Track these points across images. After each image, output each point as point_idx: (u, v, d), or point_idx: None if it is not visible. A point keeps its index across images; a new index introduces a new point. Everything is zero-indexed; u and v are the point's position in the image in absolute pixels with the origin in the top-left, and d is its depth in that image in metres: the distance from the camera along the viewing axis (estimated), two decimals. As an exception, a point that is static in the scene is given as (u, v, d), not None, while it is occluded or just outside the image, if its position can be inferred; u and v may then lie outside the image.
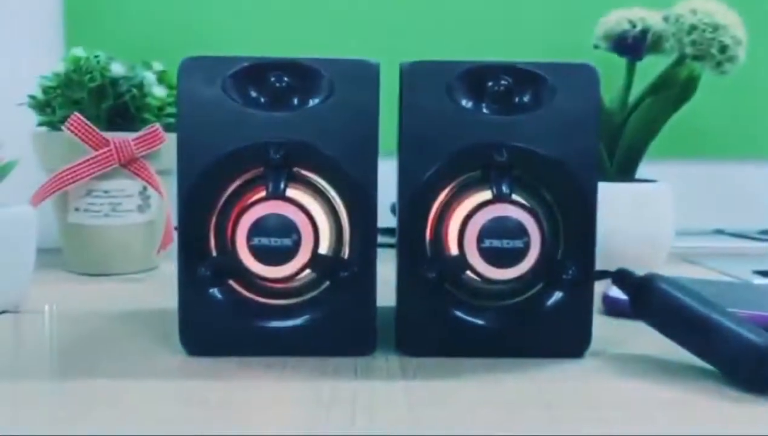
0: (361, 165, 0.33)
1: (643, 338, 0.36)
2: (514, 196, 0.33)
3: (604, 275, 0.37)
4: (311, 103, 0.33)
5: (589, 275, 0.34)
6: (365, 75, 0.33)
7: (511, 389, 0.31)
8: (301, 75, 0.33)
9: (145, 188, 0.52)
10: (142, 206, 0.52)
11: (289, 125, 0.33)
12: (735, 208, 0.73)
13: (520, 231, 0.32)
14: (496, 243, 0.32)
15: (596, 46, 0.58)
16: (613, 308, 0.44)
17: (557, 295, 0.34)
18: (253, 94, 0.34)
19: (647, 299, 0.34)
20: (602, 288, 0.46)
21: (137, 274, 0.53)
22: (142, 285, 0.51)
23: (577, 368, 0.33)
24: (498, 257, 0.32)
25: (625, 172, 0.58)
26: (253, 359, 0.33)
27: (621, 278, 0.37)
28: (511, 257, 0.32)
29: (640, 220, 0.54)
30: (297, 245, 0.32)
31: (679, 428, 0.27)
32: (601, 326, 0.41)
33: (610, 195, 0.54)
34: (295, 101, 0.33)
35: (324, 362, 0.33)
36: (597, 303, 0.44)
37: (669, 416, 0.28)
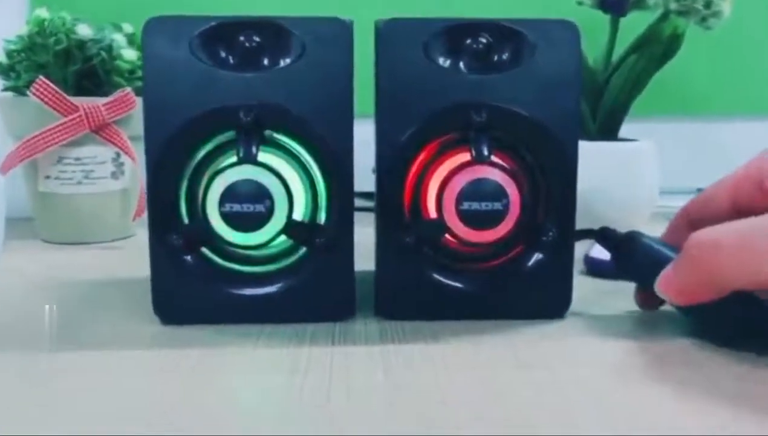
0: (335, 127, 0.32)
1: (625, 298, 0.36)
2: (493, 158, 0.32)
3: (586, 233, 0.37)
4: (282, 63, 0.32)
5: (569, 236, 0.34)
6: (338, 34, 0.32)
7: (489, 352, 0.30)
8: (272, 34, 0.32)
9: (118, 155, 0.51)
10: (115, 173, 0.51)
11: (260, 87, 0.32)
12: (720, 167, 0.73)
13: (500, 193, 0.32)
14: (475, 206, 0.32)
15: (579, 3, 0.56)
16: (594, 269, 0.43)
17: (537, 257, 0.34)
18: (222, 54, 0.32)
19: (629, 255, 0.34)
20: (584, 249, 0.46)
21: (113, 242, 0.52)
22: (118, 253, 0.50)
23: (557, 329, 0.33)
24: (477, 220, 0.32)
25: (609, 131, 0.57)
26: (229, 327, 0.33)
27: (604, 235, 0.36)
28: (491, 220, 0.32)
29: (623, 179, 0.54)
30: (270, 211, 0.31)
31: (657, 387, 0.27)
32: (582, 286, 0.40)
33: (592, 154, 0.53)
34: (266, 62, 0.32)
35: (302, 329, 0.32)
36: (578, 264, 0.45)
37: (649, 376, 0.28)
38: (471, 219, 0.32)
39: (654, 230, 0.44)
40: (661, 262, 0.31)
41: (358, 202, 0.34)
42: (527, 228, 0.33)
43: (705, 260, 0.28)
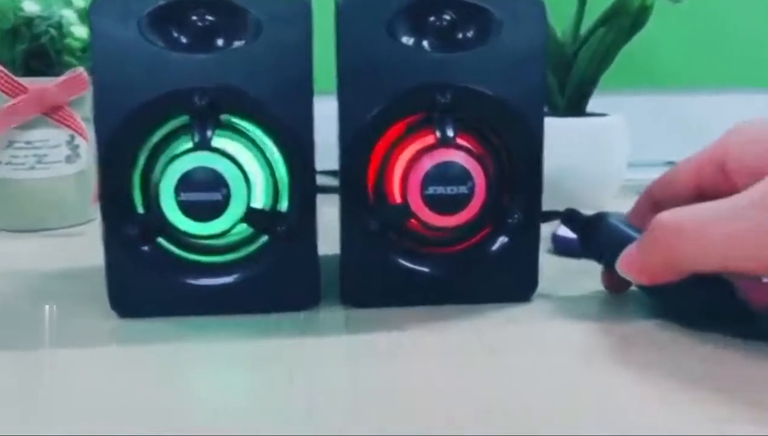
0: (295, 110, 0.31)
1: (592, 277, 0.35)
2: (459, 140, 0.31)
3: (552, 215, 0.36)
4: (237, 43, 0.31)
5: (535, 218, 0.33)
6: (296, 12, 0.31)
7: (456, 338, 0.30)
8: (226, 13, 0.31)
9: (72, 138, 0.49)
10: (70, 157, 0.49)
11: (215, 69, 0.30)
12: (688, 139, 0.73)
13: (465, 176, 0.31)
14: (440, 190, 0.31)
15: (547, -26, 0.55)
16: (562, 248, 0.43)
17: (503, 240, 0.33)
18: (174, 35, 0.31)
19: (595, 237, 0.34)
20: (552, 227, 0.46)
21: (72, 228, 0.50)
22: (77, 240, 0.48)
23: (524, 313, 0.33)
24: (443, 204, 0.31)
25: (577, 106, 0.56)
26: (189, 319, 0.31)
27: (570, 217, 0.36)
28: (456, 204, 0.31)
29: (592, 155, 0.54)
30: (227, 199, 0.30)
31: (623, 371, 0.27)
32: (551, 266, 0.40)
33: (561, 131, 0.53)
34: (220, 42, 0.31)
35: (265, 319, 0.32)
36: (546, 242, 0.44)
37: (614, 359, 0.28)
38: (436, 203, 0.31)
39: (623, 204, 0.44)
40: (626, 243, 0.31)
41: (326, 181, 0.33)
42: (493, 211, 0.32)
43: (667, 243, 0.28)
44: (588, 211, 0.54)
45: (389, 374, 0.27)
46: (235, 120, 0.31)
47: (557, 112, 0.56)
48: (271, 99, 0.31)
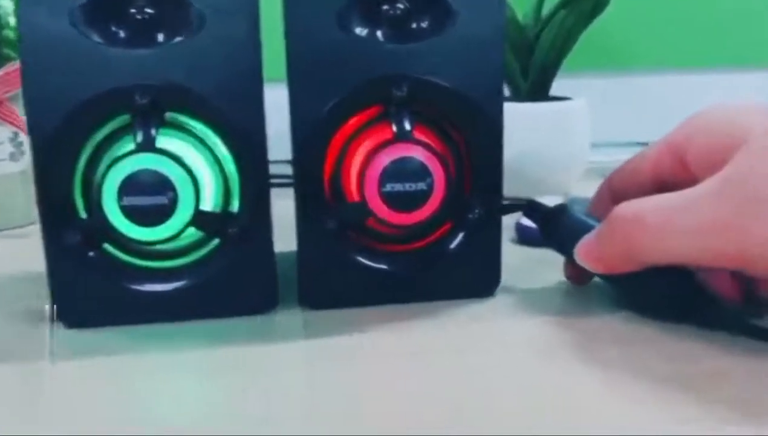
0: (243, 106, 0.30)
1: (556, 267, 0.35)
2: (416, 135, 0.30)
3: (513, 207, 0.36)
4: (180, 38, 0.29)
5: (496, 212, 0.32)
6: (241, 3, 0.29)
7: (417, 338, 0.29)
8: (167, 5, 0.29)
9: (16, 134, 0.46)
10: (14, 154, 0.47)
11: (156, 64, 0.29)
12: (654, 121, 0.73)
13: (424, 172, 0.30)
14: (398, 187, 0.30)
15: (507, -45, 0.54)
16: (526, 237, 0.42)
17: (463, 235, 0.32)
18: (111, 28, 0.29)
19: (557, 228, 0.33)
20: (515, 216, 0.45)
21: (19, 229, 0.48)
22: (24, 242, 0.46)
23: (487, 309, 0.32)
24: (401, 202, 0.30)
25: (540, 90, 0.55)
26: (140, 327, 0.30)
27: (531, 209, 0.35)
28: (415, 201, 0.30)
29: (555, 140, 0.53)
30: (174, 202, 0.28)
31: (586, 370, 0.26)
32: (513, 256, 0.40)
33: (524, 116, 0.52)
34: (161, 36, 0.29)
35: (220, 324, 0.30)
36: (510, 231, 0.44)
37: (577, 357, 0.27)
38: (395, 201, 0.30)
39: (587, 187, 0.43)
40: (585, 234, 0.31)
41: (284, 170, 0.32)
42: (453, 207, 0.31)
43: (625, 234, 0.28)
44: (553, 196, 0.54)
45: (348, 377, 0.26)
46: (181, 118, 0.30)
47: (520, 97, 0.55)
48: (217, 95, 0.29)
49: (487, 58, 0.31)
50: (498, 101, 0.31)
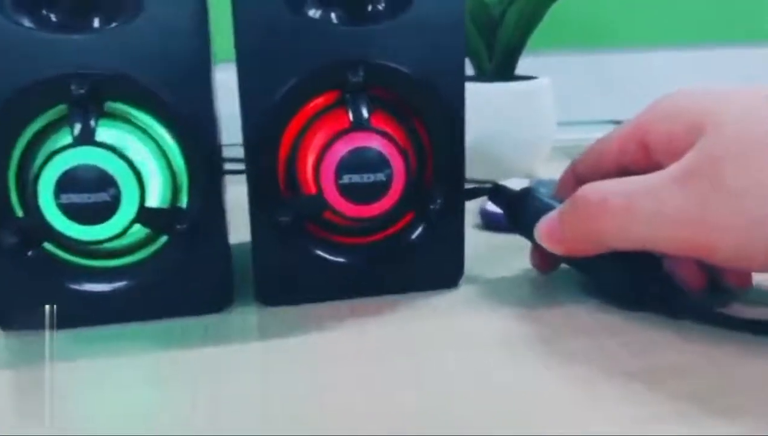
0: (189, 94, 0.28)
1: (522, 254, 0.34)
2: (374, 123, 0.29)
3: (478, 192, 0.35)
4: (118, 22, 0.27)
5: (458, 202, 0.31)
6: (183, -17, 0.27)
7: (377, 337, 0.28)
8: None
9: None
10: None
11: (93, 51, 0.27)
12: (621, 99, 0.72)
13: (383, 163, 0.28)
14: (356, 178, 0.28)
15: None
16: (491, 223, 0.42)
17: (426, 226, 0.31)
18: (43, 12, 0.27)
19: (523, 213, 0.32)
20: (480, 201, 0.44)
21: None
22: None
23: (450, 302, 0.31)
24: (359, 194, 0.29)
25: (505, 69, 0.54)
26: (84, 330, 0.29)
27: (496, 193, 0.35)
28: (374, 192, 0.29)
29: (521, 121, 0.52)
30: (117, 199, 0.26)
31: (550, 365, 0.25)
32: (478, 243, 0.39)
33: (489, 96, 0.51)
34: (97, 21, 0.27)
35: (170, 326, 0.29)
36: (475, 217, 0.43)
37: (541, 354, 0.26)
38: (352, 193, 0.28)
39: (553, 167, 0.43)
40: None
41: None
42: (414, 198, 0.30)
43: (589, 217, 0.27)
44: (519, 177, 0.54)
45: (304, 382, 0.25)
46: (122, 108, 0.28)
47: (485, 76, 0.54)
48: (160, 83, 0.27)
49: (448, 41, 0.30)
50: (459, 86, 0.30)
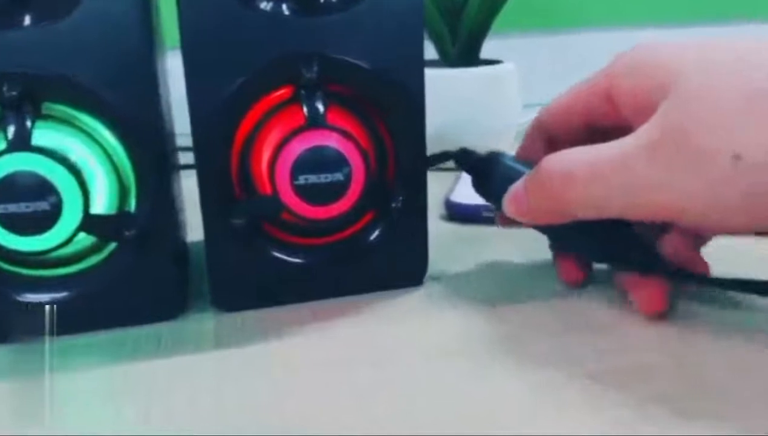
0: (133, 91, 0.26)
1: (487, 245, 0.33)
2: (331, 120, 0.28)
3: (443, 157, 0.33)
4: (51, 19, 0.25)
5: (421, 199, 0.30)
6: (121, -26, 0.25)
7: (340, 342, 0.27)
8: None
9: None
10: None
11: (25, 49, 0.25)
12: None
13: (340, 162, 0.27)
14: (312, 179, 0.27)
15: None
16: (456, 213, 0.41)
17: (387, 224, 0.30)
18: (-32, 8, 0.25)
19: (488, 176, 0.31)
20: (444, 191, 0.44)
21: None
22: None
23: (412, 303, 0.30)
24: (317, 194, 0.27)
25: (469, 53, 0.53)
26: (28, 344, 0.27)
27: (463, 157, 0.33)
28: (332, 192, 0.28)
29: (486, 106, 0.51)
30: (58, 208, 0.25)
31: (516, 371, 0.25)
32: (444, 235, 0.38)
33: (453, 82, 0.50)
34: (28, 19, 0.25)
35: (123, 336, 0.28)
36: (440, 208, 0.42)
37: (507, 355, 0.26)
38: (309, 194, 0.27)
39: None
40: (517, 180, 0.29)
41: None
42: (374, 196, 0.29)
43: (555, 189, 0.26)
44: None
45: (261, 391, 0.24)
46: (62, 109, 0.26)
47: (449, 61, 0.53)
48: (100, 81, 0.26)
49: (406, 32, 0.28)
50: (419, 79, 0.29)
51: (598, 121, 0.28)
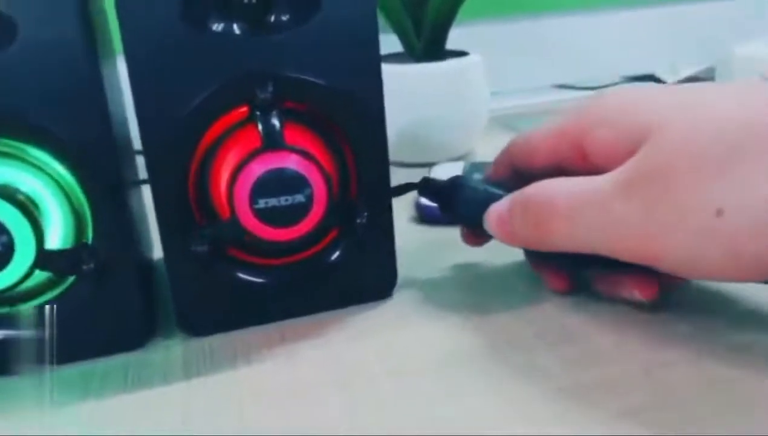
0: (83, 123, 0.25)
1: (458, 246, 0.33)
2: (288, 140, 0.27)
3: (407, 188, 0.34)
4: (-10, 51, 0.24)
5: (385, 212, 0.30)
6: (59, 2, 0.24)
7: (307, 367, 0.27)
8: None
9: None
10: None
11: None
12: (557, 64, 0.72)
13: (301, 183, 0.27)
14: (272, 202, 0.27)
15: None
16: (426, 216, 0.41)
17: (353, 240, 0.30)
18: None
19: (455, 201, 0.32)
20: (413, 194, 0.43)
21: None
22: None
23: (382, 318, 0.30)
24: (278, 218, 0.27)
25: (434, 46, 0.52)
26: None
27: (426, 187, 0.33)
28: (294, 215, 0.27)
29: (454, 100, 0.51)
30: (10, 247, 0.24)
31: (484, 389, 0.25)
32: (414, 239, 0.38)
33: (419, 78, 0.50)
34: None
35: (91, 369, 0.27)
36: (410, 210, 0.42)
37: (476, 373, 0.26)
38: (270, 217, 0.27)
39: (491, 139, 0.42)
40: (488, 202, 0.29)
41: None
42: (338, 213, 0.29)
43: (538, 219, 0.27)
44: (457, 155, 0.53)
45: (229, 423, 0.24)
46: (9, 142, 0.25)
47: (414, 56, 0.52)
48: (46, 114, 0.25)
49: (361, 45, 0.28)
50: (378, 92, 0.29)
51: (563, 165, 0.28)
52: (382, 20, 0.50)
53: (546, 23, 0.70)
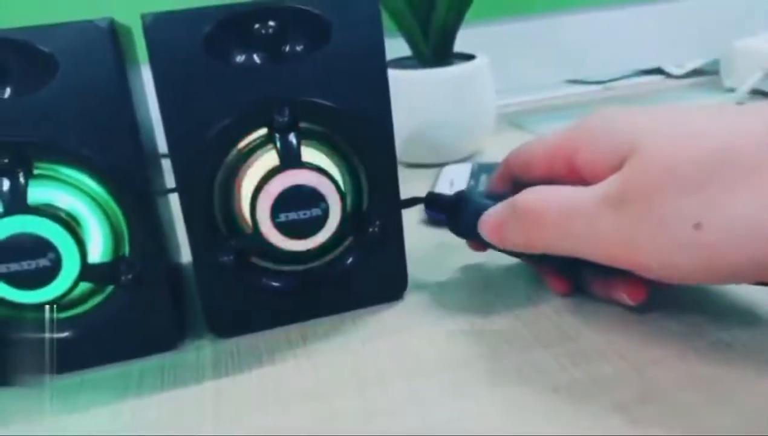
0: (117, 148, 0.28)
1: (464, 251, 0.35)
2: (305, 159, 0.29)
3: (413, 202, 0.36)
4: (30, 89, 0.26)
5: (396, 220, 0.32)
6: (93, 41, 0.27)
7: (325, 369, 0.29)
8: (13, 53, 0.26)
9: None
10: None
11: (12, 118, 0.26)
12: (562, 62, 0.73)
13: (317, 198, 0.29)
14: (292, 216, 0.29)
15: None
16: (435, 217, 0.43)
17: (365, 248, 0.32)
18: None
19: (461, 215, 0.34)
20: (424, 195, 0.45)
21: None
22: None
23: (393, 320, 0.32)
24: (297, 230, 0.29)
25: (442, 50, 0.54)
26: (34, 387, 0.29)
27: (432, 201, 0.36)
28: (312, 227, 0.30)
29: (462, 104, 0.52)
30: (57, 263, 0.27)
31: (491, 387, 0.27)
32: (425, 240, 0.40)
33: (428, 83, 0.52)
34: (9, 90, 0.26)
35: (128, 370, 0.30)
36: (421, 213, 0.44)
37: (482, 375, 0.28)
38: (290, 230, 0.29)
39: (499, 138, 0.43)
40: None
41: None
42: (352, 224, 0.31)
43: (528, 225, 0.29)
44: (467, 154, 0.55)
45: (255, 427, 0.26)
46: (50, 166, 0.28)
47: (422, 60, 0.54)
48: (82, 142, 0.27)
49: (370, 68, 0.30)
50: (386, 112, 0.31)
51: (559, 177, 0.30)
52: (389, 24, 0.52)
53: (554, 21, 0.71)
